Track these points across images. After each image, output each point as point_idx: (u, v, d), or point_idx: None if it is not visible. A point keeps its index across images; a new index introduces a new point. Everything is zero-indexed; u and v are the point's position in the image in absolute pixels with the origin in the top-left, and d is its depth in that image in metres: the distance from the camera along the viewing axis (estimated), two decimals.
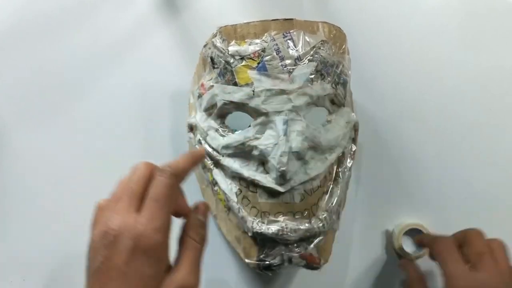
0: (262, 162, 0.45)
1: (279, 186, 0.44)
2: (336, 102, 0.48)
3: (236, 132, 0.46)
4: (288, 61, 0.44)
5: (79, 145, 0.57)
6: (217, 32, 0.46)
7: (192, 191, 0.46)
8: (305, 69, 0.44)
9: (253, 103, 0.44)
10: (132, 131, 0.57)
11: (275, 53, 0.44)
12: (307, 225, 0.45)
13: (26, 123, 0.57)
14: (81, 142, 0.57)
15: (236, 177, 0.46)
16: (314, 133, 0.45)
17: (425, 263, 0.52)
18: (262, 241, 0.45)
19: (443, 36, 0.60)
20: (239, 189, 0.46)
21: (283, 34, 0.44)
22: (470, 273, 0.42)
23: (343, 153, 0.49)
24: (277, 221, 0.44)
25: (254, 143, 0.45)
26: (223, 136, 0.47)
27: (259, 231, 0.45)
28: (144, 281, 0.32)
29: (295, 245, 0.45)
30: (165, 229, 0.33)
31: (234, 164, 0.46)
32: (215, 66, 0.46)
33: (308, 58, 0.44)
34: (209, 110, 0.48)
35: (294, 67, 0.44)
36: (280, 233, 0.44)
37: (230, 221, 0.48)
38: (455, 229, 0.48)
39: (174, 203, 0.36)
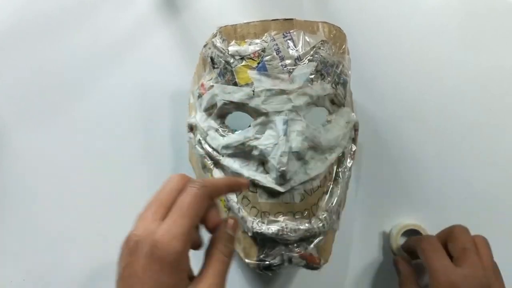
0: (262, 162, 0.45)
1: (279, 186, 0.44)
2: (336, 102, 0.48)
3: (236, 132, 0.46)
4: (288, 61, 0.44)
5: (79, 145, 0.57)
6: (217, 32, 0.46)
7: None
8: (305, 69, 0.44)
9: (253, 103, 0.44)
10: (132, 131, 0.57)
11: (275, 53, 0.44)
12: (307, 225, 0.45)
13: (26, 123, 0.57)
14: (81, 142, 0.57)
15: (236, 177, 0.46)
16: (314, 133, 0.45)
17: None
18: (262, 241, 0.45)
19: (443, 36, 0.60)
20: None
21: (283, 34, 0.44)
22: (454, 268, 0.43)
23: (343, 153, 0.49)
24: (277, 221, 0.45)
25: (254, 143, 0.45)
26: (223, 136, 0.47)
27: (259, 231, 0.45)
28: None
29: (295, 245, 0.45)
30: (185, 237, 0.32)
31: (234, 164, 0.46)
32: (215, 66, 0.46)
33: (308, 58, 0.44)
34: (209, 110, 0.48)
35: (294, 67, 0.44)
36: (280, 233, 0.44)
37: None
38: None
39: (200, 215, 0.35)
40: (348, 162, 0.50)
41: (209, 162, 0.48)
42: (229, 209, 0.47)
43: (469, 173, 0.58)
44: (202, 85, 0.48)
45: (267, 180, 0.44)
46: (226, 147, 0.46)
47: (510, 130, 0.59)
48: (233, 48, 0.45)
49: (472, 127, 0.59)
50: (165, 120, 0.57)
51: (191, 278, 0.35)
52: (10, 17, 0.59)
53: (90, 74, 0.58)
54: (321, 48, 0.45)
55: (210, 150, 0.48)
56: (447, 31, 0.60)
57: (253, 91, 0.44)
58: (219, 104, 0.46)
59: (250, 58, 0.44)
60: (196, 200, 0.34)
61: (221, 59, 0.45)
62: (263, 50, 0.44)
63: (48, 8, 0.59)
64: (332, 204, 0.47)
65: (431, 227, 0.55)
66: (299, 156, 0.44)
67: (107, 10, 0.59)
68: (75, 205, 0.55)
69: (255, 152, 0.45)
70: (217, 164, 0.48)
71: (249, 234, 0.45)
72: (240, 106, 0.45)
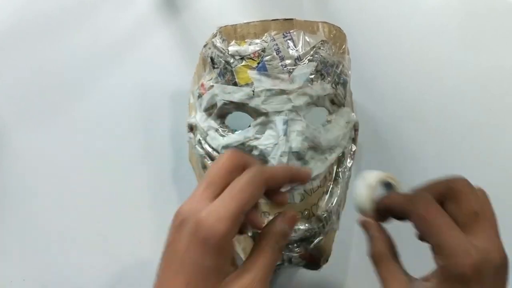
0: (262, 162, 0.45)
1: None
2: (336, 102, 0.48)
3: (236, 132, 0.46)
4: (288, 61, 0.44)
5: (79, 145, 0.57)
6: (217, 32, 0.46)
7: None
8: (305, 69, 0.44)
9: (253, 103, 0.44)
10: (132, 131, 0.57)
11: (275, 53, 0.44)
12: (307, 225, 0.45)
13: (26, 123, 0.57)
14: (81, 142, 0.57)
15: None
16: (314, 133, 0.45)
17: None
18: None
19: (443, 36, 0.60)
20: None
21: (283, 34, 0.44)
22: (474, 244, 0.31)
23: (343, 153, 0.49)
24: None
25: (254, 143, 0.45)
26: (223, 136, 0.47)
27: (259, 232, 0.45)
28: (200, 271, 0.30)
29: (295, 245, 0.45)
30: (231, 221, 0.30)
31: None
32: (215, 66, 0.46)
33: (308, 58, 0.44)
34: (209, 110, 0.48)
35: (294, 67, 0.44)
36: None
37: None
38: None
39: (252, 201, 0.32)
40: (348, 162, 0.50)
41: (209, 162, 0.48)
42: None
43: (469, 173, 0.58)
44: (202, 85, 0.48)
45: None
46: (226, 147, 0.46)
47: (510, 130, 0.59)
48: (233, 48, 0.45)
49: (472, 127, 0.59)
50: (165, 120, 0.57)
51: (234, 265, 0.33)
52: (10, 17, 0.59)
53: (90, 74, 0.58)
54: (321, 48, 0.45)
55: (210, 150, 0.48)
56: (447, 31, 0.60)
57: (253, 91, 0.44)
58: (219, 104, 0.46)
59: (250, 58, 0.44)
60: (250, 185, 0.32)
61: (221, 59, 0.45)
62: (263, 50, 0.44)
63: (48, 8, 0.59)
64: (332, 204, 0.47)
65: None
66: (299, 156, 0.44)
67: (107, 10, 0.59)
68: (75, 205, 0.55)
69: (255, 152, 0.45)
70: None
71: (249, 234, 0.45)
72: (240, 106, 0.45)
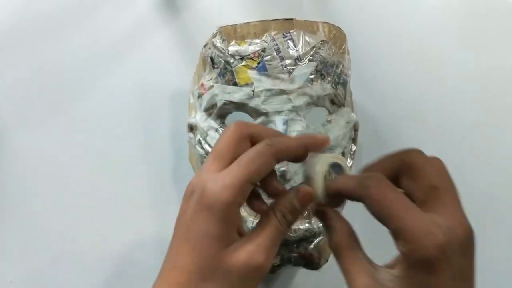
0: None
1: None
2: (336, 102, 0.48)
3: None
4: (288, 61, 0.44)
5: (79, 145, 0.57)
6: (217, 32, 0.46)
7: None
8: (305, 69, 0.44)
9: (253, 103, 0.44)
10: (132, 131, 0.57)
11: (275, 53, 0.44)
12: (307, 225, 0.45)
13: (26, 123, 0.57)
14: (81, 142, 0.57)
15: None
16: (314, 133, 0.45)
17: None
18: None
19: (443, 36, 0.60)
20: None
21: (283, 34, 0.44)
22: (436, 223, 0.28)
23: (343, 153, 0.49)
24: None
25: None
26: None
27: None
28: (205, 238, 0.30)
29: (295, 245, 0.45)
30: (236, 190, 0.30)
31: None
32: (215, 66, 0.46)
33: (308, 58, 0.44)
34: (209, 110, 0.48)
35: (294, 67, 0.44)
36: None
37: None
38: None
39: (260, 173, 0.32)
40: (348, 162, 0.50)
41: None
42: None
43: (469, 173, 0.58)
44: (202, 85, 0.48)
45: None
46: None
47: (510, 130, 0.59)
48: (233, 48, 0.45)
49: (472, 127, 0.59)
50: (165, 120, 0.57)
51: (241, 235, 0.33)
52: (10, 17, 0.59)
53: (90, 74, 0.58)
54: (321, 48, 0.45)
55: (210, 150, 0.48)
56: (447, 31, 0.60)
57: (253, 91, 0.44)
58: (219, 104, 0.46)
59: (250, 58, 0.44)
60: (257, 157, 0.31)
61: (221, 59, 0.45)
62: (263, 50, 0.44)
63: (48, 8, 0.59)
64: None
65: None
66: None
67: (107, 10, 0.59)
68: (75, 205, 0.55)
69: None
70: None
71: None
72: (240, 106, 0.45)
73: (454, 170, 0.57)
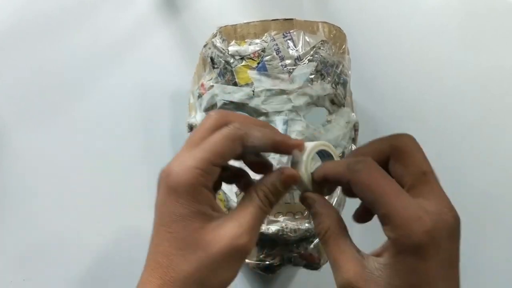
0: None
1: None
2: (336, 102, 0.48)
3: None
4: (288, 61, 0.44)
5: (79, 145, 0.57)
6: (217, 32, 0.46)
7: None
8: (305, 69, 0.44)
9: (253, 103, 0.44)
10: (132, 131, 0.57)
11: (275, 53, 0.44)
12: (307, 225, 0.45)
13: (26, 123, 0.57)
14: (81, 142, 0.57)
15: None
16: (314, 133, 0.45)
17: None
18: (262, 241, 0.45)
19: (443, 36, 0.60)
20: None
21: (283, 34, 0.44)
22: (425, 209, 0.28)
23: (343, 153, 0.49)
24: (277, 221, 0.44)
25: None
26: None
27: (259, 231, 0.44)
28: (176, 220, 0.30)
29: (295, 245, 0.45)
30: (198, 170, 0.30)
31: (234, 164, 0.46)
32: (215, 66, 0.46)
33: (308, 58, 0.44)
34: (209, 110, 0.48)
35: (294, 67, 0.44)
36: (280, 233, 0.44)
37: None
38: None
39: (225, 156, 0.31)
40: None
41: None
42: (229, 209, 0.47)
43: (469, 173, 0.58)
44: (202, 85, 0.48)
45: None
46: None
47: (510, 130, 0.59)
48: (233, 48, 0.45)
49: (472, 127, 0.59)
50: (165, 120, 0.57)
51: (217, 211, 0.32)
52: (10, 17, 0.59)
53: (90, 74, 0.58)
54: (321, 48, 0.45)
55: None
56: (447, 31, 0.60)
57: (253, 91, 0.44)
58: (219, 104, 0.46)
59: (250, 58, 0.44)
60: (223, 138, 0.31)
61: (221, 59, 0.45)
62: (263, 50, 0.44)
63: (48, 8, 0.59)
64: (332, 204, 0.47)
65: None
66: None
67: (107, 10, 0.59)
68: (75, 205, 0.55)
69: None
70: None
71: None
72: (240, 106, 0.45)
73: (454, 170, 0.58)
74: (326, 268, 0.47)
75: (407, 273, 0.27)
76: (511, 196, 0.58)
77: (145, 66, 0.58)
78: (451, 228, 0.28)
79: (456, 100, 0.59)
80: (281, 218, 0.45)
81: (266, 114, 0.44)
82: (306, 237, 0.45)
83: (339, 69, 0.47)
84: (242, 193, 0.45)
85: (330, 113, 0.48)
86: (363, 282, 0.29)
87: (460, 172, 0.58)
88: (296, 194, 0.45)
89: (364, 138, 0.55)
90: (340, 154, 0.48)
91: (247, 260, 0.46)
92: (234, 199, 0.46)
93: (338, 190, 0.48)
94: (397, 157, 0.31)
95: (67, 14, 0.59)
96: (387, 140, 0.32)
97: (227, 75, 0.45)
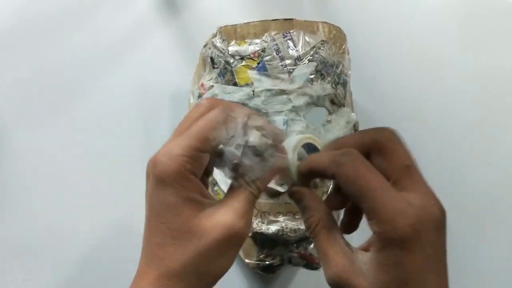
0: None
1: (279, 186, 0.44)
2: (336, 102, 0.48)
3: None
4: (288, 61, 0.44)
5: (79, 145, 0.57)
6: (217, 32, 0.46)
7: None
8: (305, 69, 0.44)
9: (253, 103, 0.44)
10: (132, 131, 0.57)
11: (275, 53, 0.44)
12: None
13: (26, 123, 0.57)
14: (81, 142, 0.57)
15: None
16: (314, 133, 0.45)
17: None
18: (262, 241, 0.45)
19: (443, 36, 0.60)
20: None
21: (283, 34, 0.44)
22: (409, 202, 0.27)
23: None
24: (277, 221, 0.45)
25: None
26: None
27: (259, 231, 0.45)
28: (166, 208, 0.30)
29: (295, 245, 0.45)
30: (184, 158, 0.29)
31: None
32: (215, 66, 0.46)
33: (308, 58, 0.44)
34: None
35: (294, 67, 0.44)
36: (280, 233, 0.44)
37: None
38: (456, 228, 0.48)
39: (211, 141, 0.30)
40: None
41: None
42: None
43: (469, 173, 0.58)
44: (202, 85, 0.48)
45: None
46: None
47: (510, 130, 0.59)
48: (233, 48, 0.45)
49: (472, 127, 0.59)
50: (165, 120, 0.57)
51: (207, 197, 0.31)
52: (10, 17, 0.59)
53: (90, 74, 0.58)
54: (321, 48, 0.45)
55: None
56: (447, 31, 0.60)
57: (253, 91, 0.44)
58: None
59: (250, 58, 0.44)
60: (208, 125, 0.30)
61: (221, 59, 0.45)
62: (263, 50, 0.44)
63: (48, 8, 0.59)
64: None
65: None
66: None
67: (107, 10, 0.59)
68: (75, 205, 0.55)
69: None
70: None
71: (249, 234, 0.45)
72: None
73: (454, 170, 0.58)
74: None
75: (393, 267, 0.27)
76: (511, 196, 0.58)
77: (145, 66, 0.58)
78: (437, 221, 0.28)
79: (456, 100, 0.59)
80: (281, 218, 0.45)
81: (266, 114, 0.44)
82: (306, 237, 0.45)
83: (339, 69, 0.47)
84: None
85: (330, 113, 0.48)
86: (351, 276, 0.28)
87: (460, 172, 0.58)
88: None
89: None
90: None
91: (247, 260, 0.46)
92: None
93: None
94: (379, 151, 0.30)
95: (67, 14, 0.59)
96: (369, 134, 0.31)
97: (227, 75, 0.45)
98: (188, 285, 0.29)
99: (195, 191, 0.30)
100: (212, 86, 0.46)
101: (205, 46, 0.48)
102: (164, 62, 0.59)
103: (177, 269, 0.29)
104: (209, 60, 0.47)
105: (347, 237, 0.31)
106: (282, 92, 0.44)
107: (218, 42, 0.46)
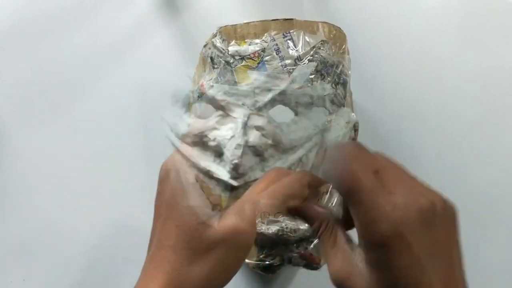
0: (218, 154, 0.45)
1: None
2: (336, 102, 0.47)
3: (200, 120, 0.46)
4: (288, 61, 0.44)
5: (79, 145, 0.57)
6: (217, 32, 0.46)
7: None
8: (305, 69, 0.44)
9: (253, 103, 0.44)
10: (132, 131, 0.57)
11: (275, 53, 0.44)
12: (307, 225, 0.45)
13: (26, 123, 0.57)
14: (81, 142, 0.57)
15: None
16: (276, 130, 0.44)
17: None
18: (262, 241, 0.45)
19: (443, 36, 0.60)
20: None
21: (283, 34, 0.44)
22: (392, 203, 0.27)
23: None
24: (277, 221, 0.44)
25: (213, 133, 0.45)
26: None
27: (259, 231, 0.44)
28: (185, 214, 0.31)
29: (295, 245, 0.45)
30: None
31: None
32: (215, 66, 0.46)
33: (308, 58, 0.44)
34: None
35: (294, 67, 0.44)
36: (280, 233, 0.44)
37: None
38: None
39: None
40: None
41: None
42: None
43: (469, 173, 0.58)
44: (202, 85, 0.48)
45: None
46: (185, 135, 0.46)
47: (510, 130, 0.59)
48: (233, 48, 0.45)
49: (472, 127, 0.59)
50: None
51: (211, 208, 0.33)
52: (10, 17, 0.59)
53: (90, 74, 0.58)
54: (321, 48, 0.45)
55: None
56: (447, 31, 0.60)
57: (253, 91, 0.44)
58: None
59: (250, 58, 0.44)
60: None
61: (221, 59, 0.45)
62: (263, 50, 0.44)
63: (48, 8, 0.59)
64: (332, 204, 0.47)
65: None
66: (256, 151, 0.44)
67: (107, 10, 0.60)
68: (75, 205, 0.55)
69: (212, 143, 0.45)
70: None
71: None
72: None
73: (454, 170, 0.58)
74: (326, 268, 0.47)
75: (381, 268, 0.27)
76: (511, 196, 0.58)
77: (145, 66, 0.58)
78: (423, 216, 0.27)
79: (456, 100, 0.59)
80: (281, 218, 0.45)
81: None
82: (306, 237, 0.45)
83: (339, 69, 0.47)
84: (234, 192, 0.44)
85: (330, 113, 0.48)
86: (349, 274, 0.29)
87: (460, 172, 0.58)
88: None
89: (364, 138, 0.55)
90: None
91: (247, 260, 0.46)
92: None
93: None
94: (349, 201, 0.29)
95: (67, 14, 0.59)
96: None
97: (227, 75, 0.45)
98: None
99: (207, 196, 0.32)
100: (212, 86, 0.46)
101: (205, 46, 0.48)
102: (164, 62, 0.59)
103: (189, 272, 0.30)
104: (209, 60, 0.47)
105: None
106: (282, 92, 0.44)
107: (218, 42, 0.46)
